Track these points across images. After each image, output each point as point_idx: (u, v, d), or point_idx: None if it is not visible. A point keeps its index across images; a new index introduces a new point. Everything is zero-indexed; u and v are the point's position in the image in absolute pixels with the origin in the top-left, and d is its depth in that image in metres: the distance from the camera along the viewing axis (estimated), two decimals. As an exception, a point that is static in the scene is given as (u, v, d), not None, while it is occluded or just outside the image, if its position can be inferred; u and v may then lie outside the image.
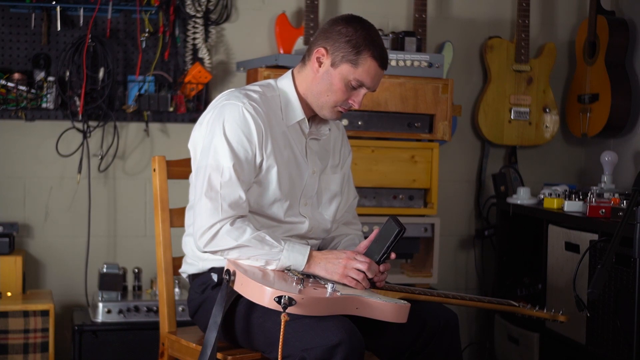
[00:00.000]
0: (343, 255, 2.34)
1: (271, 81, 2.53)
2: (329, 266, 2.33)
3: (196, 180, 2.42)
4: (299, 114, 2.48)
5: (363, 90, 2.44)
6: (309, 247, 2.36)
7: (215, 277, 2.48)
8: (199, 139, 2.47)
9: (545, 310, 2.69)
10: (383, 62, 2.42)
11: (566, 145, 4.21)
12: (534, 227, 3.62)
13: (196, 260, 2.55)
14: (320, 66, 2.42)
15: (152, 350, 3.23)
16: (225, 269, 2.32)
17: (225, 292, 2.30)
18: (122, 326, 3.32)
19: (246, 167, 2.37)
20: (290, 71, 2.52)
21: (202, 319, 2.53)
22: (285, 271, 2.34)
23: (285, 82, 2.50)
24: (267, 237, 2.33)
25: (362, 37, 2.39)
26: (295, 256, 2.33)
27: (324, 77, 2.42)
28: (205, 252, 2.37)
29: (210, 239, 2.33)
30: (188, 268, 2.60)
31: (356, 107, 2.45)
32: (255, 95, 2.43)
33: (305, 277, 2.31)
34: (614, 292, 2.92)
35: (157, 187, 2.74)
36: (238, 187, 2.34)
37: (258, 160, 2.40)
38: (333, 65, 2.40)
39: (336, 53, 2.40)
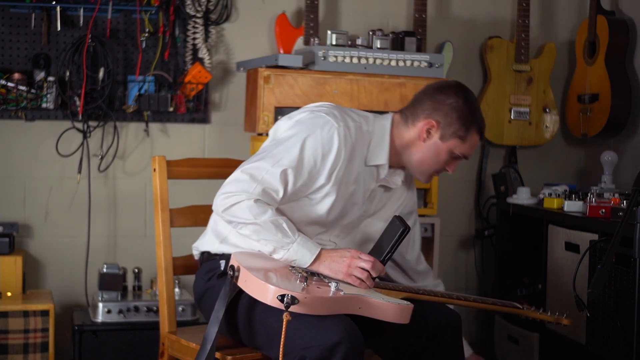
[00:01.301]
0: (347, 254, 2.34)
1: (370, 115, 2.53)
2: (333, 265, 2.33)
3: (251, 157, 2.42)
4: (382, 159, 2.49)
5: (460, 159, 2.52)
6: (320, 248, 2.35)
7: (223, 264, 2.48)
8: (281, 128, 2.48)
9: (549, 313, 2.70)
10: (483, 134, 2.53)
11: (566, 145, 4.21)
12: (534, 227, 3.62)
13: (215, 238, 2.54)
14: (428, 137, 2.46)
15: (152, 350, 3.23)
16: (229, 264, 2.32)
17: (228, 288, 2.31)
18: (122, 326, 3.32)
19: (302, 179, 2.37)
20: (390, 115, 2.53)
21: (206, 307, 2.54)
22: (290, 268, 2.34)
23: (383, 124, 2.51)
24: (284, 225, 2.32)
25: (470, 112, 2.46)
26: (304, 252, 2.33)
27: (430, 148, 2.47)
28: (222, 216, 2.35)
29: (230, 205, 2.32)
30: (202, 244, 2.59)
31: (450, 172, 2.56)
32: (352, 124, 2.43)
33: (310, 274, 2.31)
34: (614, 292, 2.92)
35: (157, 187, 2.74)
36: (280, 185, 2.33)
37: (320, 182, 2.40)
38: (442, 138, 2.46)
39: (447, 128, 2.45)
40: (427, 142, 2.46)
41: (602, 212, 3.15)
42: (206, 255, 2.57)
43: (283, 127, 2.47)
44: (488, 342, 4.02)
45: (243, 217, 2.31)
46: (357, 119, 2.46)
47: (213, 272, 2.51)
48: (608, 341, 2.96)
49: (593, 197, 3.24)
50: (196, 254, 2.63)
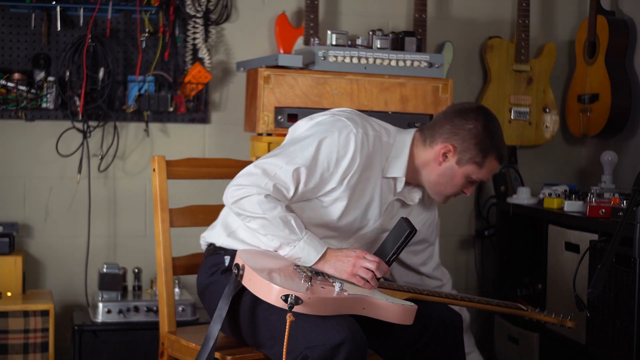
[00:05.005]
0: (353, 254, 2.34)
1: (392, 128, 2.53)
2: (338, 264, 2.33)
3: (268, 153, 2.42)
4: (399, 172, 2.48)
5: (477, 183, 2.54)
6: (326, 247, 2.35)
7: (227, 260, 2.48)
8: (300, 128, 2.49)
9: (553, 315, 2.70)
10: (502, 160, 2.53)
11: (566, 145, 4.21)
12: (534, 227, 3.62)
13: (223, 231, 2.54)
14: (444, 160, 2.47)
15: (152, 350, 3.23)
16: (234, 262, 2.32)
17: (233, 287, 2.31)
18: (122, 326, 3.32)
19: (314, 180, 2.37)
20: (413, 130, 2.53)
21: (207, 301, 2.55)
22: (294, 267, 2.34)
23: (405, 138, 2.51)
24: (292, 222, 2.31)
25: (489, 139, 2.45)
26: (309, 250, 2.32)
27: (446, 171, 2.47)
28: (231, 207, 2.36)
29: (240, 198, 2.32)
30: (210, 235, 2.58)
31: (468, 195, 2.57)
32: (371, 133, 2.43)
33: (314, 274, 2.31)
34: (614, 292, 2.92)
35: (156, 187, 2.74)
36: (292, 183, 2.33)
37: (331, 185, 2.40)
38: (458, 163, 2.46)
39: (464, 153, 2.45)
40: (443, 165, 2.47)
41: (602, 212, 3.15)
42: (212, 248, 2.57)
43: (303, 126, 2.49)
44: (488, 342, 4.02)
45: (252, 211, 2.31)
46: (377, 129, 2.46)
47: (217, 267, 2.51)
48: (608, 341, 2.96)
49: (593, 197, 3.24)
50: (203, 244, 2.64)
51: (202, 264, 2.60)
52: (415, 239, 2.67)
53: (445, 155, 2.46)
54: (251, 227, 2.34)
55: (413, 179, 2.52)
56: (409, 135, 2.52)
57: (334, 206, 2.43)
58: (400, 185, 2.50)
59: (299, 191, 2.36)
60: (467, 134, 2.45)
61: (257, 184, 2.30)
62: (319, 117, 2.47)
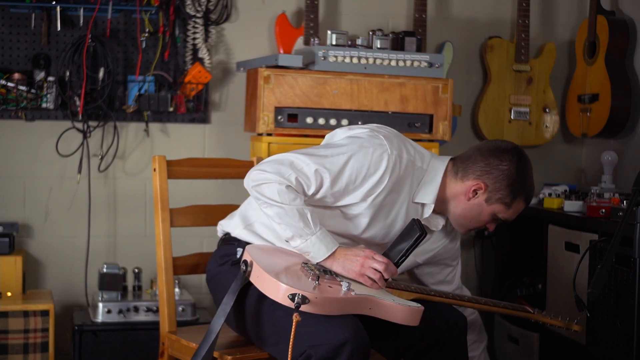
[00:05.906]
0: (362, 253, 2.34)
1: (427, 153, 2.53)
2: (347, 263, 2.33)
3: (299, 149, 2.43)
4: (429, 199, 2.49)
5: (500, 220, 2.55)
6: (337, 246, 2.35)
7: (239, 252, 2.49)
8: (338, 136, 2.50)
9: (560, 318, 2.70)
10: (530, 202, 2.55)
11: (566, 145, 4.21)
12: (534, 227, 3.62)
13: (241, 222, 2.54)
14: (473, 197, 2.48)
15: (152, 350, 3.23)
16: (242, 259, 2.32)
17: (240, 282, 2.31)
18: (122, 326, 3.32)
19: (337, 187, 2.37)
20: (448, 159, 2.54)
21: (213, 290, 2.56)
22: (302, 265, 2.34)
23: (438, 166, 2.51)
24: (308, 215, 2.31)
25: (521, 181, 2.46)
26: (320, 247, 2.32)
27: (474, 207, 2.49)
28: (250, 190, 2.36)
29: (261, 182, 2.32)
30: (228, 224, 2.59)
31: (490, 230, 2.61)
32: (405, 156, 2.43)
33: (322, 272, 2.31)
34: (614, 292, 2.92)
35: (157, 187, 2.74)
36: (314, 183, 2.34)
37: (353, 199, 2.40)
38: (487, 201, 2.48)
39: (494, 192, 2.47)
40: (471, 200, 2.49)
41: (602, 212, 3.15)
42: (227, 238, 2.58)
43: (340, 135, 2.50)
44: (488, 342, 4.01)
45: (270, 198, 2.31)
46: (412, 153, 2.46)
47: (228, 257, 2.52)
48: (608, 341, 2.96)
49: (593, 197, 3.24)
50: (220, 231, 2.64)
51: (215, 252, 2.62)
52: (433, 261, 2.70)
53: (475, 192, 2.48)
54: (267, 213, 2.33)
55: (438, 207, 2.53)
56: (442, 163, 2.52)
57: (356, 220, 2.44)
58: (427, 212, 2.51)
59: (320, 194, 2.36)
60: (500, 174, 2.46)
61: (281, 173, 2.30)
62: (357, 130, 2.47)
